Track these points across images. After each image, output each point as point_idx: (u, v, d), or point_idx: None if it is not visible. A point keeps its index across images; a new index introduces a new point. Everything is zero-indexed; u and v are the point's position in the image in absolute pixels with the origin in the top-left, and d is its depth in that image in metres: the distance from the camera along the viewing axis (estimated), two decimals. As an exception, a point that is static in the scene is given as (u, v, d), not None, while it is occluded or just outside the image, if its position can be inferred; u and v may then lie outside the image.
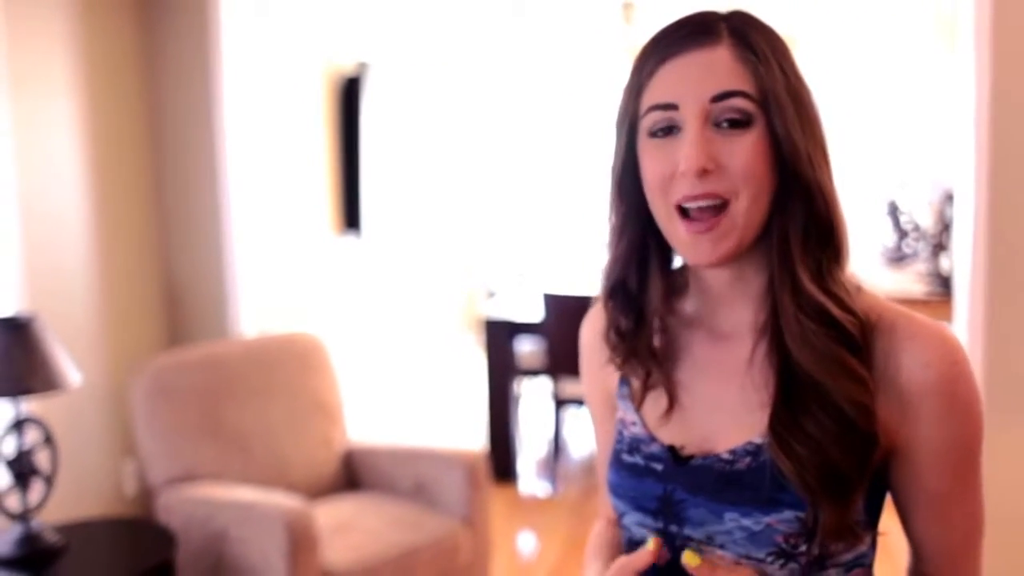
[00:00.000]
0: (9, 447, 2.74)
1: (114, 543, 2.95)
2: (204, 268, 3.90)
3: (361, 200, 5.19)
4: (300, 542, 2.94)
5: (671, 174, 1.02)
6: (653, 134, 1.04)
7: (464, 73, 7.01)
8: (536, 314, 4.90)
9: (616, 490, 1.15)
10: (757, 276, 1.09)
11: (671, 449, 1.10)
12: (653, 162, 1.04)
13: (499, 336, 5.00)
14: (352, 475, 3.71)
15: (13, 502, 2.77)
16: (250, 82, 4.14)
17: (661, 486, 1.10)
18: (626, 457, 1.15)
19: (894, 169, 6.01)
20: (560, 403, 5.00)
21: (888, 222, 5.72)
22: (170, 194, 3.90)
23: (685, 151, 1.01)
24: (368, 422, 5.01)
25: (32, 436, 2.85)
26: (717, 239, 1.02)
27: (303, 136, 4.75)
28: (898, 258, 5.61)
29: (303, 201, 4.76)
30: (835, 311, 1.02)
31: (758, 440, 1.04)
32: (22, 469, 2.74)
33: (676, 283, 1.17)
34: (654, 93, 1.04)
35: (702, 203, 1.01)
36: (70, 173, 3.38)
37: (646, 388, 1.15)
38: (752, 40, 1.03)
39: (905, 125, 6.09)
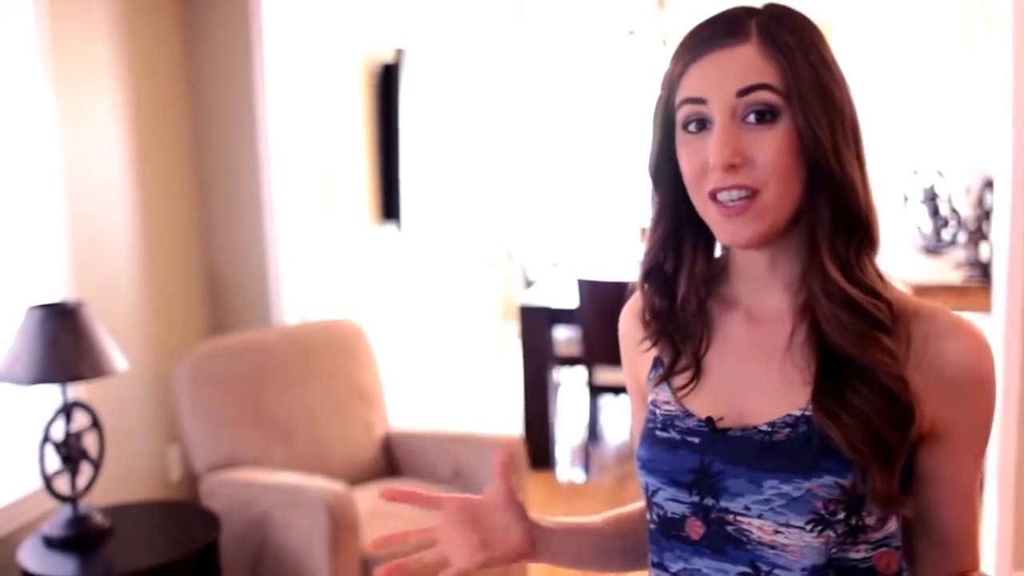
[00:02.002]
0: (58, 431, 2.79)
1: (160, 526, 3.01)
2: (246, 257, 3.95)
3: (400, 189, 5.22)
4: (341, 525, 2.99)
5: (704, 167, 1.07)
6: (687, 128, 1.09)
7: (501, 59, 7.02)
8: (573, 301, 4.91)
9: (648, 465, 1.17)
10: (792, 262, 1.13)
11: (709, 420, 1.13)
12: (688, 156, 1.09)
13: (536, 323, 5.02)
14: (392, 461, 3.75)
15: (62, 485, 2.83)
16: (290, 72, 4.19)
17: (698, 458, 1.12)
18: (660, 433, 1.18)
19: (932, 156, 5.96)
20: (596, 391, 5.02)
21: (925, 210, 5.67)
22: (213, 184, 3.95)
23: (713, 147, 1.05)
24: (408, 409, 5.05)
25: (80, 421, 2.90)
26: (748, 220, 1.06)
27: (342, 125, 4.79)
28: (936, 246, 5.57)
29: (343, 190, 4.80)
30: (861, 299, 1.07)
31: (797, 412, 1.08)
32: (70, 453, 2.80)
33: (715, 269, 1.21)
34: (685, 88, 1.08)
35: (733, 193, 1.06)
36: (115, 164, 3.44)
37: (675, 366, 1.19)
38: (779, 36, 1.06)
39: (943, 111, 6.05)
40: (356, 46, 4.93)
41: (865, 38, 6.09)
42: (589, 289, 4.70)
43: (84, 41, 3.29)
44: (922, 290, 4.69)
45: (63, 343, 2.67)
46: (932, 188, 5.64)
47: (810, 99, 1.04)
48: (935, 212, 5.64)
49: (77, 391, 3.08)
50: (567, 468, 5.13)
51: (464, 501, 1.23)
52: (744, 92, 1.04)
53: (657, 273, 1.20)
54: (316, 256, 4.42)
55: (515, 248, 7.22)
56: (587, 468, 5.09)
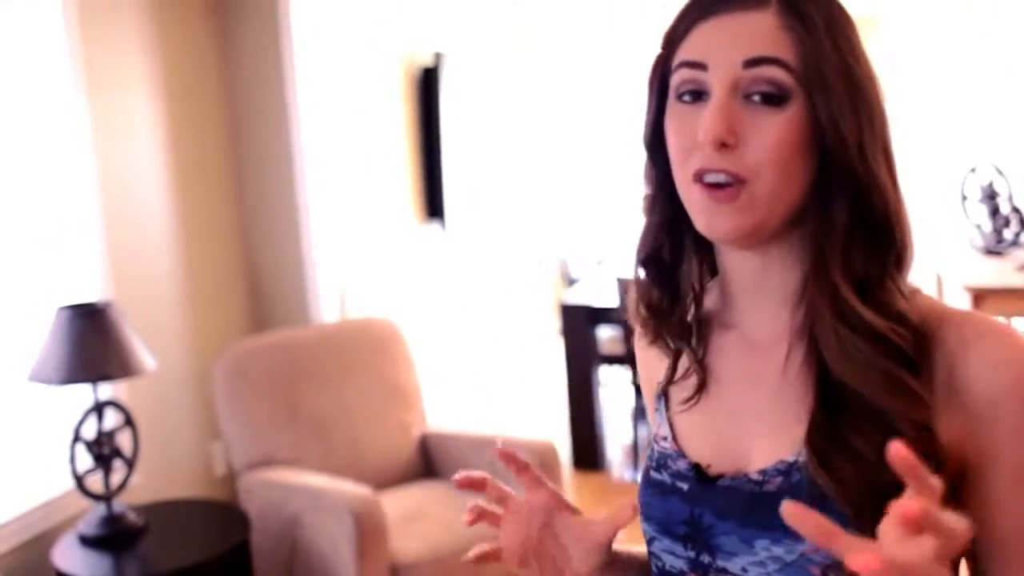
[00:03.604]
0: (90, 431, 2.86)
1: (194, 525, 3.05)
2: (285, 256, 4.00)
3: (443, 188, 5.25)
4: (367, 531, 3.00)
5: (692, 144, 0.93)
6: (680, 97, 0.95)
7: (541, 60, 7.03)
8: (615, 300, 4.89)
9: (643, 509, 1.06)
10: (789, 272, 0.99)
11: (696, 467, 1.02)
12: (677, 130, 0.96)
13: (579, 322, 5.01)
14: (429, 462, 3.76)
15: (96, 484, 2.89)
16: (328, 74, 4.24)
17: (688, 508, 1.00)
18: (654, 474, 1.06)
19: (990, 152, 5.83)
20: (640, 389, 4.99)
21: (984, 208, 5.55)
22: (250, 185, 4.00)
23: (705, 120, 0.91)
24: (451, 409, 5.08)
25: (114, 419, 2.97)
26: (733, 210, 0.92)
27: (383, 127, 4.83)
28: (996, 246, 5.44)
29: (386, 190, 4.84)
30: (879, 324, 0.90)
31: (790, 458, 0.94)
32: (103, 452, 2.86)
33: (706, 281, 1.09)
34: (686, 49, 0.95)
35: (719, 178, 0.92)
36: (151, 167, 3.49)
37: (675, 372, 1.08)
38: (804, 8, 0.92)
39: (1002, 106, 5.93)
40: (395, 50, 4.97)
41: (918, 32, 6.00)
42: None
43: (116, 47, 3.35)
44: (982, 293, 4.59)
45: (91, 343, 2.72)
46: (991, 186, 5.52)
47: (832, 84, 0.91)
48: (995, 211, 5.51)
49: (116, 390, 3.16)
50: (614, 468, 5.12)
51: (551, 501, 1.11)
52: (752, 63, 0.91)
53: (652, 262, 1.06)
54: (358, 255, 4.46)
55: (558, 246, 7.23)
56: (635, 467, 5.08)
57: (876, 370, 0.89)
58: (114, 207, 3.28)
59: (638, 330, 1.12)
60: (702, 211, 0.94)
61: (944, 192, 5.64)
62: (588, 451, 5.03)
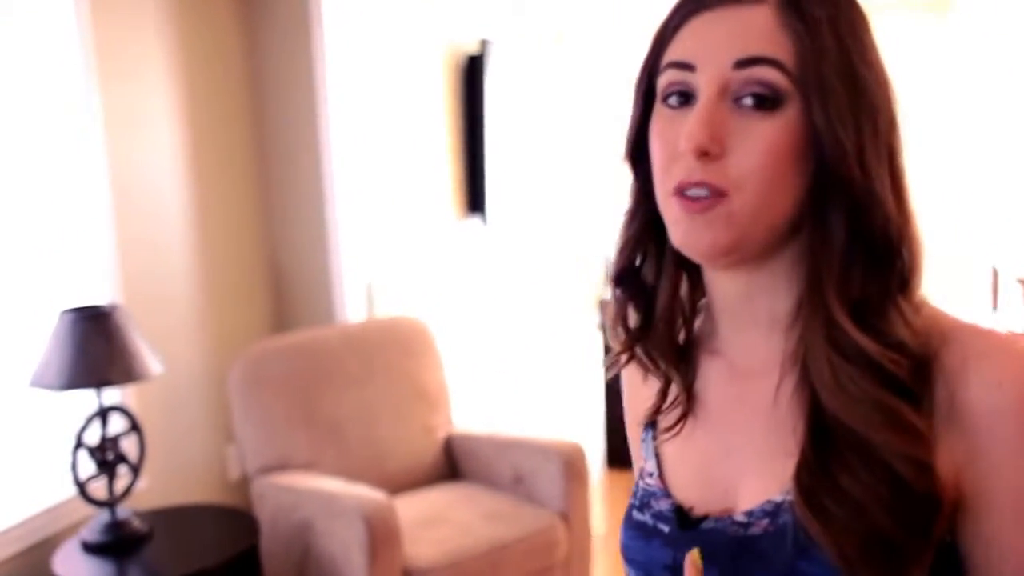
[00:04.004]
0: (94, 436, 2.85)
1: (201, 531, 3.03)
2: (310, 255, 3.96)
3: (485, 182, 5.18)
4: (380, 536, 2.96)
5: (675, 153, 0.87)
6: (666, 101, 0.89)
7: (590, 49, 6.89)
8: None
9: (626, 552, 1.01)
10: (779, 293, 0.92)
11: (679, 509, 0.97)
12: (660, 136, 0.90)
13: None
14: (454, 464, 3.72)
15: (100, 490, 2.89)
16: (362, 61, 4.18)
17: (670, 553, 0.95)
18: (636, 515, 1.01)
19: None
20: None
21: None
22: (276, 181, 3.96)
23: (687, 126, 0.85)
24: (483, 411, 5.02)
25: (119, 424, 2.96)
26: (709, 223, 0.85)
27: (422, 117, 4.77)
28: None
29: (424, 183, 4.78)
30: (877, 353, 0.83)
31: (777, 498, 0.88)
32: (106, 458, 2.85)
33: (699, 301, 1.03)
34: (674, 48, 0.89)
35: (699, 192, 0.85)
36: (167, 162, 3.45)
37: (666, 398, 1.02)
38: (807, 4, 0.85)
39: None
40: (438, 38, 4.90)
41: (991, 16, 5.73)
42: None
43: (131, 32, 3.28)
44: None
45: (94, 348, 2.70)
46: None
47: (833, 87, 0.83)
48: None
49: (126, 393, 3.15)
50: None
51: None
52: (743, 64, 0.84)
53: (630, 278, 1.00)
54: (389, 252, 4.42)
55: (601, 243, 7.11)
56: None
57: (872, 403, 0.82)
58: (127, 204, 3.24)
59: (616, 351, 1.05)
60: (676, 223, 0.88)
61: (1007, 183, 5.38)
62: (623, 450, 4.93)
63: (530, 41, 5.93)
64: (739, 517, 0.91)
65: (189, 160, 3.56)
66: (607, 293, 5.16)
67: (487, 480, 3.60)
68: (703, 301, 1.02)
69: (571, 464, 3.43)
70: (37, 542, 2.90)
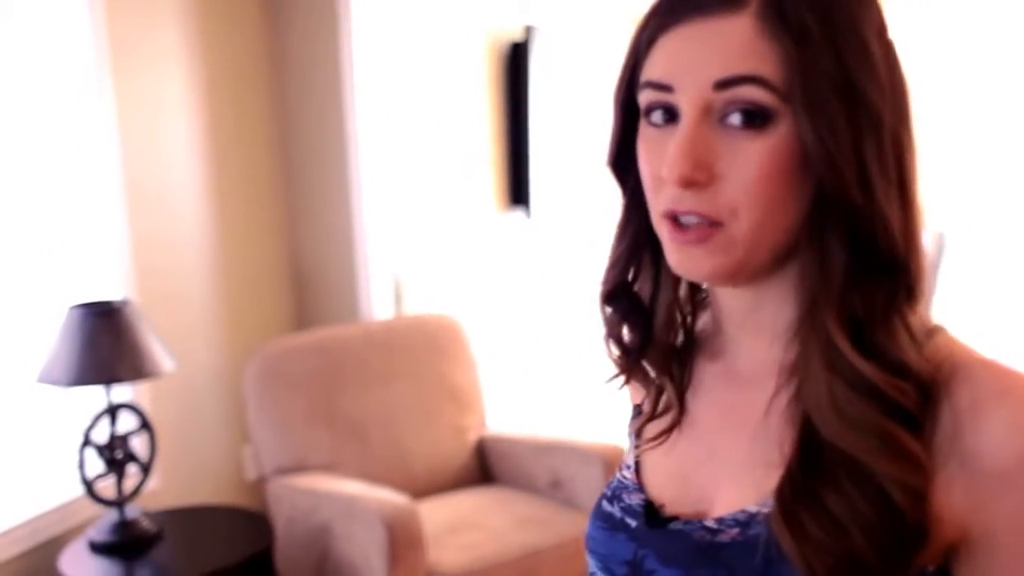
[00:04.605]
0: (102, 434, 2.80)
1: (213, 532, 3.00)
2: (334, 249, 3.90)
3: (529, 174, 5.09)
4: (401, 541, 2.89)
5: (662, 176, 0.83)
6: (649, 117, 0.85)
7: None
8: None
9: (589, 543, 1.00)
10: (783, 307, 0.88)
11: (648, 505, 0.95)
12: (646, 157, 0.86)
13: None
14: (487, 467, 3.64)
15: (109, 489, 2.84)
16: (395, 48, 4.11)
17: (632, 548, 0.94)
18: (605, 505, 1.00)
19: None
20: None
21: None
22: (299, 174, 3.91)
23: (669, 155, 0.81)
24: (521, 411, 4.92)
25: (129, 422, 2.91)
26: (708, 253, 0.82)
27: (462, 106, 4.69)
28: None
29: (462, 176, 4.70)
30: (876, 377, 0.79)
31: (752, 508, 0.86)
32: (114, 456, 2.80)
33: (701, 297, 1.00)
34: (650, 66, 0.84)
35: (690, 220, 0.82)
36: (183, 153, 3.42)
37: (653, 411, 1.00)
38: (793, 7, 0.79)
39: None
40: (479, 23, 4.82)
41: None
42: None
43: (146, 21, 3.25)
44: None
45: (102, 344, 2.67)
46: None
47: (825, 102, 0.78)
48: None
49: (139, 391, 3.11)
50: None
51: None
52: (724, 85, 0.79)
53: (623, 295, 0.98)
54: (419, 246, 4.33)
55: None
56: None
57: (869, 428, 0.79)
58: (141, 197, 3.22)
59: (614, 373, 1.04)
60: (672, 251, 0.86)
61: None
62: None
63: (579, 27, 5.82)
64: (709, 523, 0.89)
65: (207, 151, 3.52)
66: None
67: (522, 484, 3.51)
68: (702, 297, 1.00)
69: (612, 467, 3.32)
70: (43, 541, 2.89)
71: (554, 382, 5.52)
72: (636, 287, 0.98)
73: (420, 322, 3.76)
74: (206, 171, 3.51)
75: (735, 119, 0.79)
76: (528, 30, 5.07)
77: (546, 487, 3.45)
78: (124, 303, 2.77)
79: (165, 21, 3.33)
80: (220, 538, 2.96)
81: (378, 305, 3.90)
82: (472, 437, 3.63)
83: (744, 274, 0.85)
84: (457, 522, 3.22)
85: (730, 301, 0.93)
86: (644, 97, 0.85)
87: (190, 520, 3.02)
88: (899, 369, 0.80)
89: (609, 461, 3.33)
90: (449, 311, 3.97)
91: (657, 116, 0.84)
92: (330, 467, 3.32)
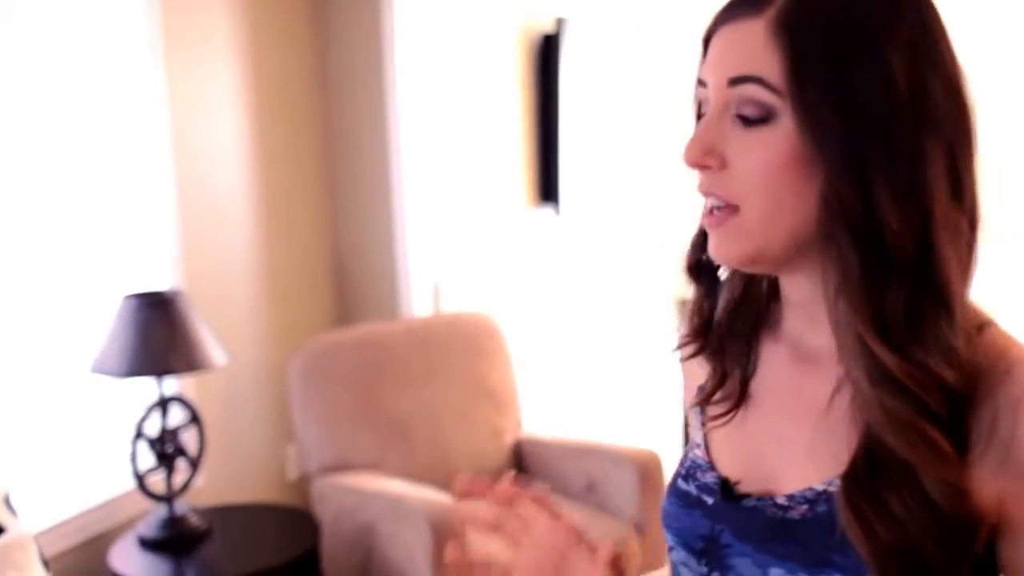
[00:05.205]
0: (153, 428, 2.84)
1: (260, 530, 3.04)
2: (375, 245, 3.95)
3: (559, 169, 5.11)
4: (446, 541, 2.94)
5: None
6: (698, 110, 0.97)
7: (675, 29, 6.80)
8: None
9: (665, 519, 1.08)
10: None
11: (724, 482, 1.02)
12: None
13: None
14: (522, 469, 3.68)
15: (158, 484, 2.88)
16: (433, 42, 4.14)
17: (709, 523, 1.01)
18: (681, 483, 1.08)
19: None
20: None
21: None
22: (342, 169, 3.96)
23: (688, 140, 0.93)
24: (552, 413, 4.96)
25: (178, 416, 2.95)
26: (727, 237, 0.93)
27: (494, 99, 4.72)
28: None
29: (494, 171, 4.73)
30: (901, 375, 0.85)
31: (819, 487, 0.93)
32: (165, 450, 2.84)
33: (771, 284, 1.06)
34: (700, 66, 0.96)
35: (713, 202, 0.94)
36: (231, 147, 3.47)
37: (718, 392, 1.06)
38: (804, 13, 0.87)
39: None
40: (512, 15, 4.85)
41: None
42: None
43: (199, 14, 3.31)
44: None
45: (156, 334, 2.71)
46: None
47: (818, 107, 0.86)
48: None
49: (184, 385, 3.14)
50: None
51: (568, 536, 1.00)
52: (734, 82, 0.90)
53: (701, 274, 1.07)
54: (457, 243, 4.37)
55: (683, 237, 7.02)
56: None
57: (902, 425, 0.86)
58: (190, 188, 3.26)
59: (685, 338, 1.10)
60: (709, 235, 0.96)
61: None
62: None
63: (611, 19, 5.85)
64: (780, 500, 0.96)
65: (254, 146, 3.57)
66: (688, 292, 5.11)
67: (557, 487, 3.56)
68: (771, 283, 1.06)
69: (647, 473, 3.39)
70: (93, 536, 2.94)
71: (587, 382, 5.56)
72: (711, 265, 1.05)
73: (459, 321, 3.81)
74: (252, 169, 3.56)
75: (741, 113, 0.89)
76: (559, 22, 5.09)
77: (581, 490, 3.50)
78: (177, 293, 2.81)
79: (216, 18, 3.38)
80: (268, 536, 3.00)
81: (417, 302, 3.95)
82: (509, 438, 3.68)
83: (764, 262, 0.94)
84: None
85: (789, 289, 0.99)
86: (696, 94, 0.97)
87: (237, 517, 3.07)
88: (925, 366, 0.85)
89: (643, 465, 3.38)
90: (485, 309, 4.02)
91: (702, 109, 0.95)
92: (374, 466, 3.37)
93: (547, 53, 5.06)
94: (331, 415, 3.39)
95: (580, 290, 5.57)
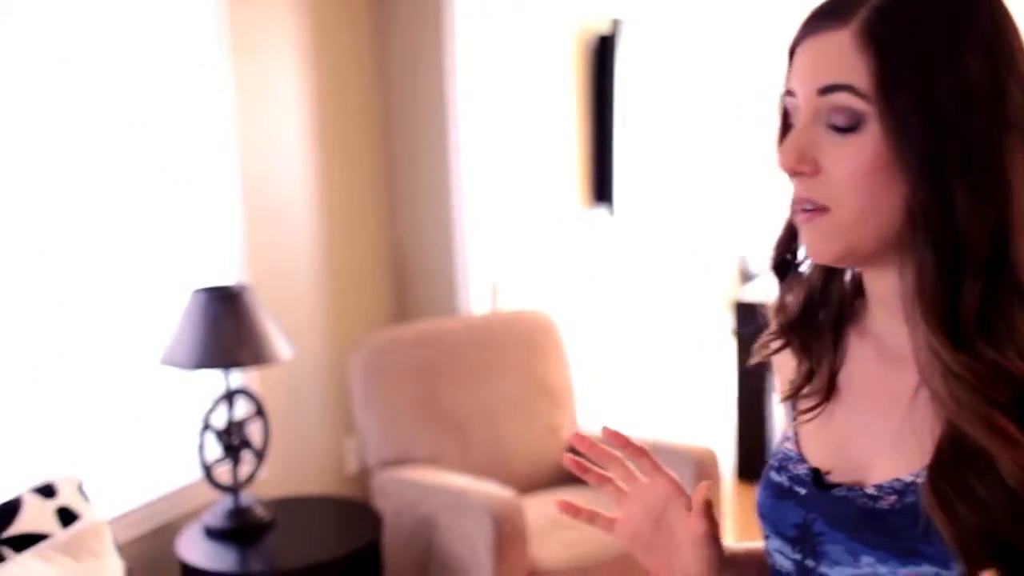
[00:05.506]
0: (220, 419, 2.92)
1: (323, 522, 3.11)
2: (433, 243, 4.02)
3: (613, 171, 5.16)
4: (507, 536, 3.00)
5: None
6: (784, 119, 1.02)
7: (731, 29, 6.82)
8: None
9: (760, 509, 1.13)
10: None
11: (815, 472, 1.06)
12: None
13: (754, 322, 4.85)
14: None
15: (224, 475, 2.95)
16: (491, 43, 4.20)
17: (802, 513, 1.06)
18: (773, 475, 1.13)
19: None
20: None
21: None
22: (400, 167, 4.03)
23: (781, 148, 0.98)
24: (606, 411, 5.00)
25: (244, 408, 3.02)
26: (818, 234, 0.98)
27: (549, 101, 4.78)
28: None
29: (549, 172, 4.79)
30: (967, 372, 0.91)
31: (908, 478, 0.97)
32: (231, 442, 2.92)
33: (856, 281, 1.11)
34: (787, 77, 1.01)
35: (806, 206, 0.98)
36: (294, 142, 3.56)
37: (806, 386, 1.11)
38: (889, 22, 0.91)
39: None
40: (568, 17, 4.90)
41: None
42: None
43: (264, 10, 3.39)
44: None
45: (224, 328, 2.78)
46: None
47: (903, 113, 0.91)
48: None
49: (248, 378, 3.22)
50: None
51: (670, 491, 1.17)
52: (823, 91, 0.94)
53: (787, 271, 1.12)
54: (513, 242, 4.42)
55: (737, 238, 7.02)
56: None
57: (975, 415, 0.90)
58: (254, 187, 3.35)
59: (771, 334, 1.16)
60: (801, 234, 1.02)
61: None
62: (754, 461, 4.88)
63: (667, 21, 5.88)
64: (869, 490, 1.00)
65: (316, 146, 3.67)
66: (742, 295, 5.13)
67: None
68: (856, 279, 1.10)
69: (704, 470, 3.42)
70: (160, 525, 3.02)
71: (638, 383, 5.59)
72: (796, 263, 1.11)
73: (516, 318, 3.86)
74: (314, 168, 3.65)
75: (832, 121, 0.94)
76: (615, 23, 5.14)
77: (638, 488, 3.53)
78: (244, 288, 2.88)
79: (281, 16, 3.47)
80: (330, 528, 3.07)
81: (475, 300, 4.01)
82: (565, 436, 3.71)
83: (853, 258, 0.99)
84: (556, 519, 3.30)
85: (875, 284, 1.04)
86: (784, 102, 1.01)
87: (300, 509, 3.14)
88: (994, 363, 0.90)
89: (701, 462, 3.40)
90: (541, 307, 4.06)
91: (791, 118, 0.99)
92: (433, 461, 3.43)
93: (603, 54, 5.11)
94: (391, 410, 3.46)
95: (634, 289, 5.60)
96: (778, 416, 5.18)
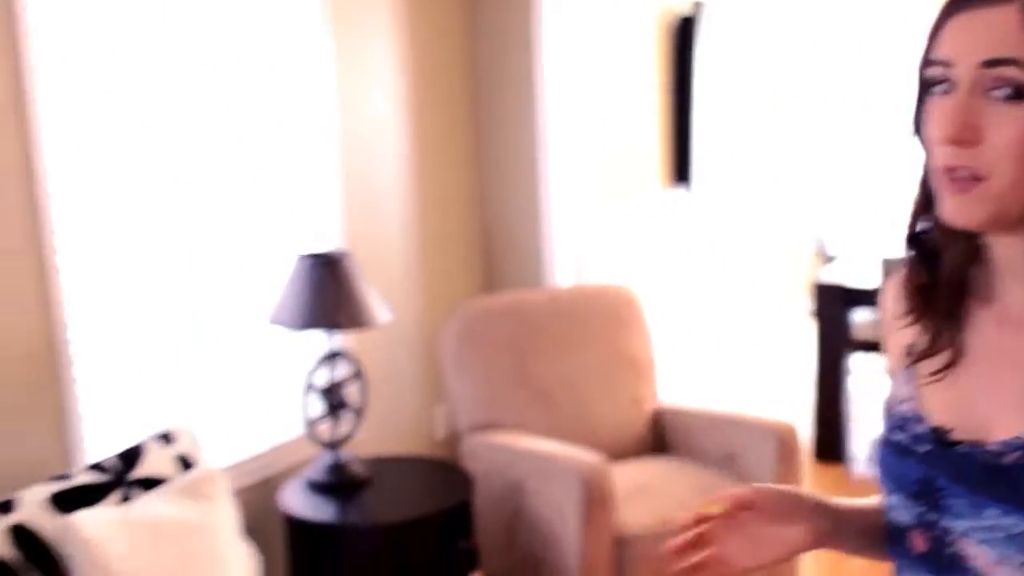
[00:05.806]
0: (322, 379, 3.06)
1: (417, 480, 3.24)
2: (521, 216, 4.15)
3: (692, 151, 5.23)
4: (595, 499, 3.10)
5: (938, 137, 1.04)
6: (932, 91, 1.05)
7: (811, 9, 6.82)
8: (876, 281, 4.76)
9: (880, 467, 1.20)
10: None
11: (936, 431, 1.12)
12: (927, 122, 1.06)
13: (832, 304, 4.92)
14: (660, 438, 3.82)
15: (324, 432, 3.10)
16: (577, 23, 4.30)
17: (924, 469, 1.12)
18: (890, 436, 1.18)
19: None
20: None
21: None
22: (490, 139, 4.17)
23: (939, 118, 1.02)
24: (684, 385, 5.08)
25: (343, 370, 3.16)
26: (971, 201, 1.01)
27: (633, 81, 4.86)
28: None
29: (631, 151, 4.87)
30: None
31: None
32: (332, 400, 3.06)
33: (980, 251, 1.17)
34: (937, 46, 1.04)
35: (961, 174, 1.01)
36: (390, 112, 3.71)
37: (931, 351, 1.16)
38: None
39: None
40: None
41: None
42: (893, 269, 4.54)
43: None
44: None
45: (326, 292, 2.93)
46: None
47: None
48: None
49: (346, 342, 3.36)
50: (857, 463, 5.00)
51: (732, 511, 1.23)
52: (989, 64, 0.98)
53: (917, 241, 1.17)
54: (597, 217, 4.52)
55: (816, 220, 7.04)
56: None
57: None
58: (354, 161, 3.52)
59: (893, 302, 1.25)
60: (942, 200, 1.05)
61: None
62: (831, 442, 4.94)
63: (746, 2, 5.92)
64: (992, 446, 1.06)
65: (409, 117, 3.82)
66: (821, 276, 5.14)
67: (696, 456, 3.68)
68: (979, 247, 1.15)
69: (786, 445, 3.48)
70: (265, 478, 3.18)
71: (716, 358, 5.65)
72: (927, 234, 1.16)
73: (600, 292, 3.96)
74: (409, 145, 3.81)
75: (998, 93, 0.98)
76: (697, 5, 5.21)
77: (719, 460, 3.61)
78: (345, 254, 3.02)
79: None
80: (424, 487, 3.20)
81: (560, 273, 4.13)
82: (648, 407, 3.81)
83: (1002, 224, 1.03)
84: (639, 486, 3.41)
85: (1003, 251, 1.08)
86: (931, 72, 1.05)
87: (395, 468, 3.28)
88: None
89: (782, 437, 3.47)
90: (624, 282, 4.16)
91: (939, 88, 1.03)
92: (521, 426, 3.55)
93: (684, 35, 5.18)
94: (482, 376, 3.59)
95: (713, 268, 5.66)
96: (856, 398, 5.24)
